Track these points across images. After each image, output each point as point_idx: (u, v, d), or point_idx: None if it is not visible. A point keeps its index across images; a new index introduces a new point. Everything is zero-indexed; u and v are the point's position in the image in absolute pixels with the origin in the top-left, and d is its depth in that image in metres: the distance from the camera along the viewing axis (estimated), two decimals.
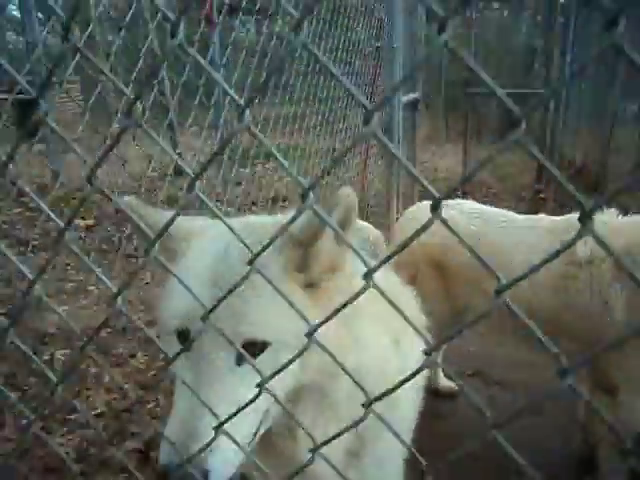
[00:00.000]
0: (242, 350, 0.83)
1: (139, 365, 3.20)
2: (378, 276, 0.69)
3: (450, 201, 2.51)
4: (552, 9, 8.04)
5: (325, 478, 1.14)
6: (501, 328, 2.26)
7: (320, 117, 4.18)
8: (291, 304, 0.74)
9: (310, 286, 1.02)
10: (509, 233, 2.18)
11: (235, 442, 0.85)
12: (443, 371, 2.92)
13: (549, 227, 2.14)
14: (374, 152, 4.94)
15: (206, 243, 1.07)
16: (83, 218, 5.83)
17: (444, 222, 0.61)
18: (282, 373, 0.81)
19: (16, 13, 12.27)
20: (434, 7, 0.51)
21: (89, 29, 2.21)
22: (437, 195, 0.59)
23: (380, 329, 1.17)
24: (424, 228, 0.62)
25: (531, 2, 12.48)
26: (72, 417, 2.68)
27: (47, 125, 0.82)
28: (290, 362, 0.78)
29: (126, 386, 2.96)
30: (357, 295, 0.71)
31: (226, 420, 0.83)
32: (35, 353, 3.17)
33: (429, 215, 2.27)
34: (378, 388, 1.10)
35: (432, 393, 2.78)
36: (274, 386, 0.85)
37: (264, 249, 0.69)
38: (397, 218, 4.94)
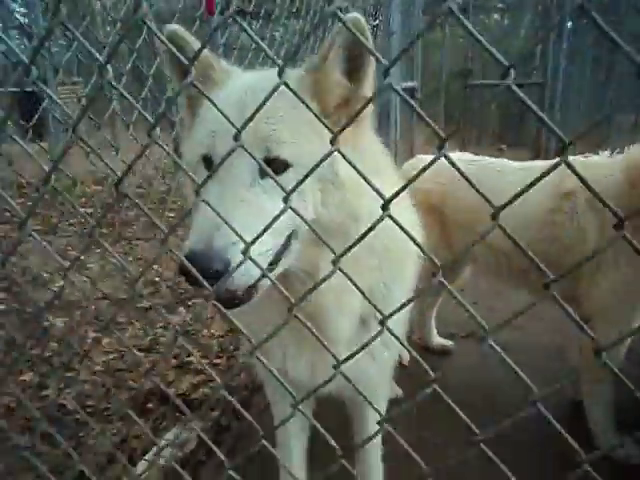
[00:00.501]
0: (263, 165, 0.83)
1: (137, 332, 3.23)
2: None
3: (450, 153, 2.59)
4: (549, 15, 8.22)
5: (339, 343, 1.21)
6: (498, 272, 2.32)
7: None
8: (317, 117, 0.77)
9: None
10: (505, 177, 2.24)
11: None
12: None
13: (542, 169, 2.19)
14: None
15: (242, 78, 1.15)
16: (83, 207, 5.96)
17: (447, 158, 0.71)
18: (304, 199, 0.85)
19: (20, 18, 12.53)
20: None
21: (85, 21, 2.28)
22: (442, 135, 0.68)
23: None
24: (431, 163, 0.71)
25: (530, 9, 12.71)
26: (70, 375, 2.71)
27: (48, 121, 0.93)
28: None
29: (124, 349, 3.00)
30: None
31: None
32: (34, 320, 3.22)
33: (433, 167, 2.28)
34: (391, 242, 1.17)
35: (426, 350, 2.83)
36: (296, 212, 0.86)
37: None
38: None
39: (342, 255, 0.78)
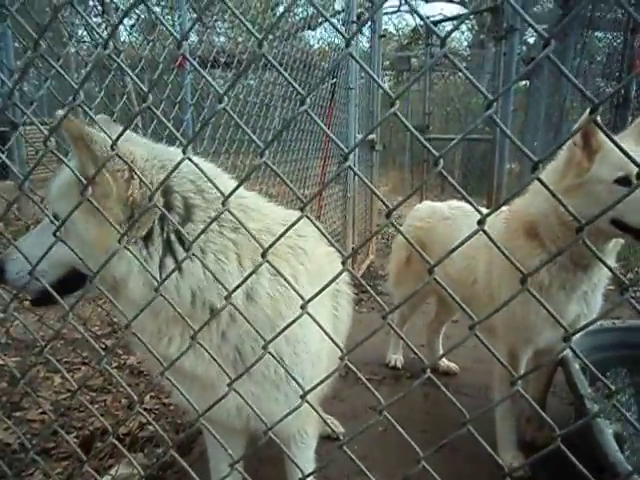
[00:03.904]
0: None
1: (91, 371, 3.24)
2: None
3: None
4: (508, 75, 8.82)
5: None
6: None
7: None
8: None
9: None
10: (454, 220, 2.79)
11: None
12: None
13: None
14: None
15: None
16: None
17: (394, 225, 0.90)
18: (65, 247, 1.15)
19: None
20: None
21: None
22: (389, 206, 0.84)
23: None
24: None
25: (489, 68, 13.61)
26: (17, 414, 2.71)
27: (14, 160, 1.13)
28: None
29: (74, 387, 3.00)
30: None
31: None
32: None
33: (427, 209, 2.67)
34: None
35: (433, 371, 3.17)
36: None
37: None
38: (353, 244, 5.18)
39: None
